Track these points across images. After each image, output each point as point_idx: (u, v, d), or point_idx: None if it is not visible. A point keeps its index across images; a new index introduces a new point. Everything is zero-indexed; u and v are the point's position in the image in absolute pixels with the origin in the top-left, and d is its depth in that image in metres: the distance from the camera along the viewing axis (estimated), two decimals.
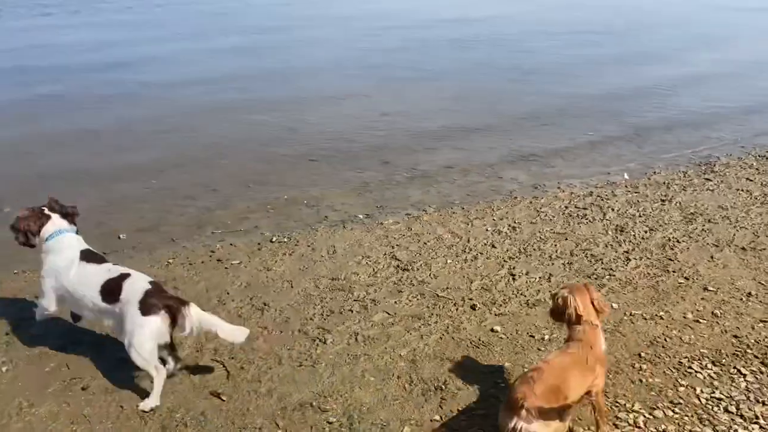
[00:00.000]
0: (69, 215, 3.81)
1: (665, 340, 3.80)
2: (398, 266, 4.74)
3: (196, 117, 8.56)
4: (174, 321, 3.37)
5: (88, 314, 3.60)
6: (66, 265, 3.58)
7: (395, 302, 4.26)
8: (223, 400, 3.36)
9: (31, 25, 16.63)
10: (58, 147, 7.39)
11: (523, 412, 2.58)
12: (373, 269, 4.71)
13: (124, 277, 3.47)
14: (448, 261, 4.80)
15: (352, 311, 4.18)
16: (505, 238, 5.16)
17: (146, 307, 3.31)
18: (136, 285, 3.41)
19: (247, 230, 5.44)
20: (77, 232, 3.78)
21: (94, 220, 5.41)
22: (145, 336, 3.29)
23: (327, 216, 5.69)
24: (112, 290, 3.42)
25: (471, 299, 4.27)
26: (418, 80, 10.60)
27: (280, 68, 11.55)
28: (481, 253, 4.91)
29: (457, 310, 4.16)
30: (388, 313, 4.14)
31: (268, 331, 3.97)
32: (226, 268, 4.77)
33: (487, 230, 5.31)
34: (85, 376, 3.55)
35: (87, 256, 3.63)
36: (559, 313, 3.10)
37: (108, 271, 3.53)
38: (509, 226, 5.38)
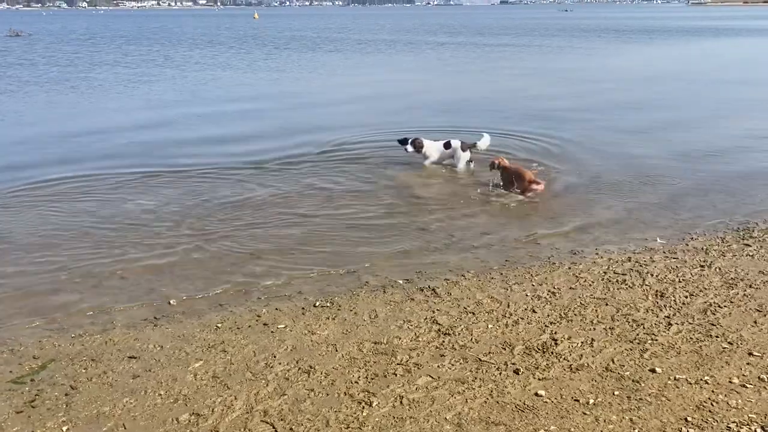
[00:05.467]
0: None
1: (712, 404, 3.78)
2: (439, 330, 4.83)
3: None
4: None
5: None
6: None
7: (438, 366, 4.33)
8: None
9: None
10: None
11: None
12: (415, 333, 4.80)
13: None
14: (489, 326, 4.87)
15: (395, 375, 4.25)
16: (545, 303, 5.22)
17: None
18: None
19: (291, 295, 5.59)
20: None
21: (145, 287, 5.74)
22: None
23: (368, 281, 5.82)
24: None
25: (514, 363, 4.32)
26: None
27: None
28: (522, 318, 4.97)
29: (500, 374, 4.21)
30: (432, 377, 4.20)
31: (314, 393, 4.06)
32: (272, 332, 4.91)
33: (526, 295, 5.38)
34: None
35: None
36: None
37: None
38: (549, 291, 5.45)
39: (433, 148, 9.55)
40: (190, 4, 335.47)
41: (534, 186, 8.05)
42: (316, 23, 78.40)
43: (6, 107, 16.57)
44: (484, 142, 9.52)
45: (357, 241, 6.81)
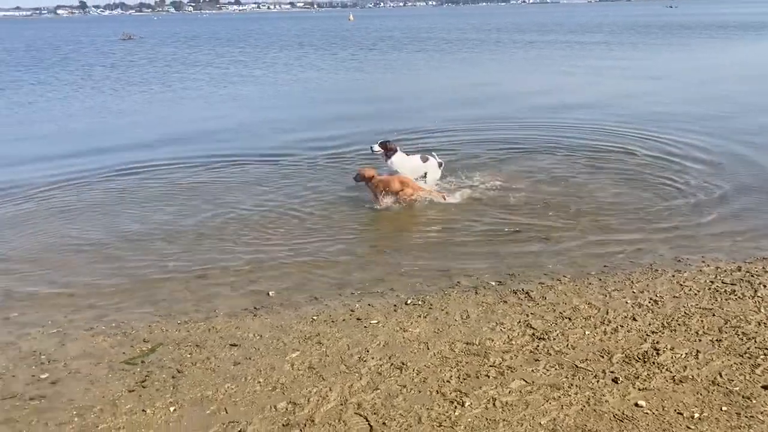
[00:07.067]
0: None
1: None
2: (534, 335, 4.74)
3: None
4: None
5: None
6: None
7: (532, 370, 4.25)
8: None
9: None
10: None
11: None
12: (508, 336, 4.74)
13: None
14: (586, 332, 4.73)
15: (488, 376, 4.22)
16: (646, 311, 5.01)
17: None
18: None
19: (383, 292, 5.65)
20: None
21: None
22: None
23: (459, 281, 5.79)
24: None
25: (612, 372, 4.18)
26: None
27: None
28: (622, 326, 4.80)
29: (598, 382, 4.08)
30: (526, 381, 4.14)
31: (407, 389, 4.09)
32: (365, 327, 4.99)
33: (626, 302, 5.18)
34: (241, 420, 3.85)
35: None
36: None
37: None
38: (650, 299, 5.23)
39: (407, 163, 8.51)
40: (288, 6, 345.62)
41: (405, 191, 7.83)
42: (408, 23, 78.93)
43: (110, 105, 17.98)
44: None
45: (448, 240, 6.80)
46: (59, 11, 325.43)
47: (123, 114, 16.40)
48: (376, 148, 8.47)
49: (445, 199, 7.95)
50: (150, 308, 5.48)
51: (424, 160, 8.57)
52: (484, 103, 16.22)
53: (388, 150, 8.43)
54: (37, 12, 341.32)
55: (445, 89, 19.56)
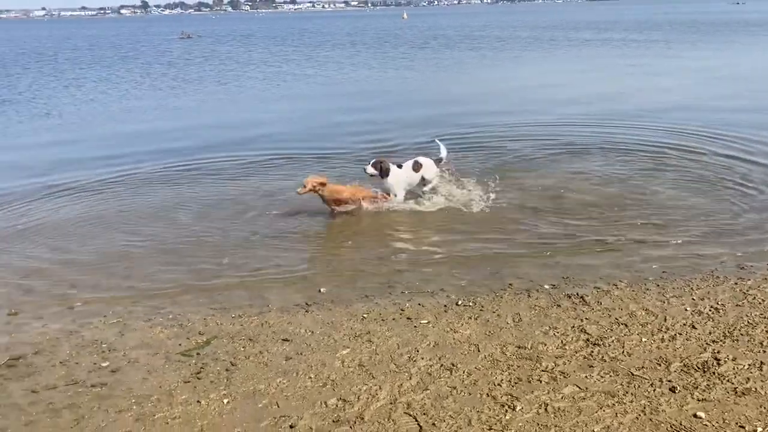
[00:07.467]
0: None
1: None
2: (588, 340, 4.64)
3: None
4: None
5: None
6: None
7: (586, 376, 4.16)
8: None
9: None
10: None
11: None
12: (561, 341, 4.65)
13: None
14: (643, 339, 4.60)
15: (540, 381, 4.15)
16: (707, 320, 4.84)
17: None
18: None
19: (433, 292, 5.63)
20: None
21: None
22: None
23: (511, 283, 5.72)
24: None
25: (670, 381, 4.05)
26: None
27: None
28: (680, 334, 4.65)
29: (654, 390, 3.97)
30: (579, 387, 4.05)
31: (457, 391, 4.07)
32: (415, 326, 4.98)
33: (686, 310, 5.02)
34: (292, 415, 3.90)
35: None
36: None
37: None
38: (711, 307, 5.04)
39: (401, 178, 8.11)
40: (342, 5, 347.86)
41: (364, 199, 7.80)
42: (461, 21, 78.55)
43: (167, 102, 18.63)
44: (443, 152, 8.51)
45: (500, 242, 6.72)
46: (122, 11, 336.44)
47: (179, 111, 16.93)
48: (370, 170, 7.92)
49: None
50: (205, 302, 5.61)
51: (417, 167, 8.13)
52: (537, 103, 15.98)
53: (383, 171, 7.91)
54: (102, 12, 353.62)
55: (497, 89, 19.37)
